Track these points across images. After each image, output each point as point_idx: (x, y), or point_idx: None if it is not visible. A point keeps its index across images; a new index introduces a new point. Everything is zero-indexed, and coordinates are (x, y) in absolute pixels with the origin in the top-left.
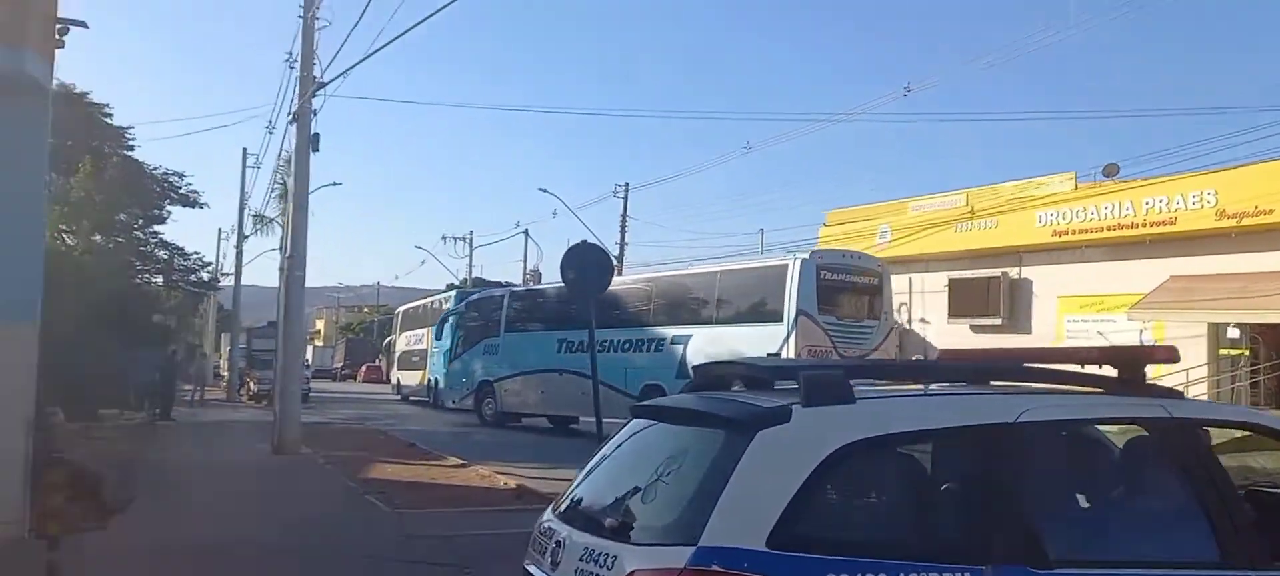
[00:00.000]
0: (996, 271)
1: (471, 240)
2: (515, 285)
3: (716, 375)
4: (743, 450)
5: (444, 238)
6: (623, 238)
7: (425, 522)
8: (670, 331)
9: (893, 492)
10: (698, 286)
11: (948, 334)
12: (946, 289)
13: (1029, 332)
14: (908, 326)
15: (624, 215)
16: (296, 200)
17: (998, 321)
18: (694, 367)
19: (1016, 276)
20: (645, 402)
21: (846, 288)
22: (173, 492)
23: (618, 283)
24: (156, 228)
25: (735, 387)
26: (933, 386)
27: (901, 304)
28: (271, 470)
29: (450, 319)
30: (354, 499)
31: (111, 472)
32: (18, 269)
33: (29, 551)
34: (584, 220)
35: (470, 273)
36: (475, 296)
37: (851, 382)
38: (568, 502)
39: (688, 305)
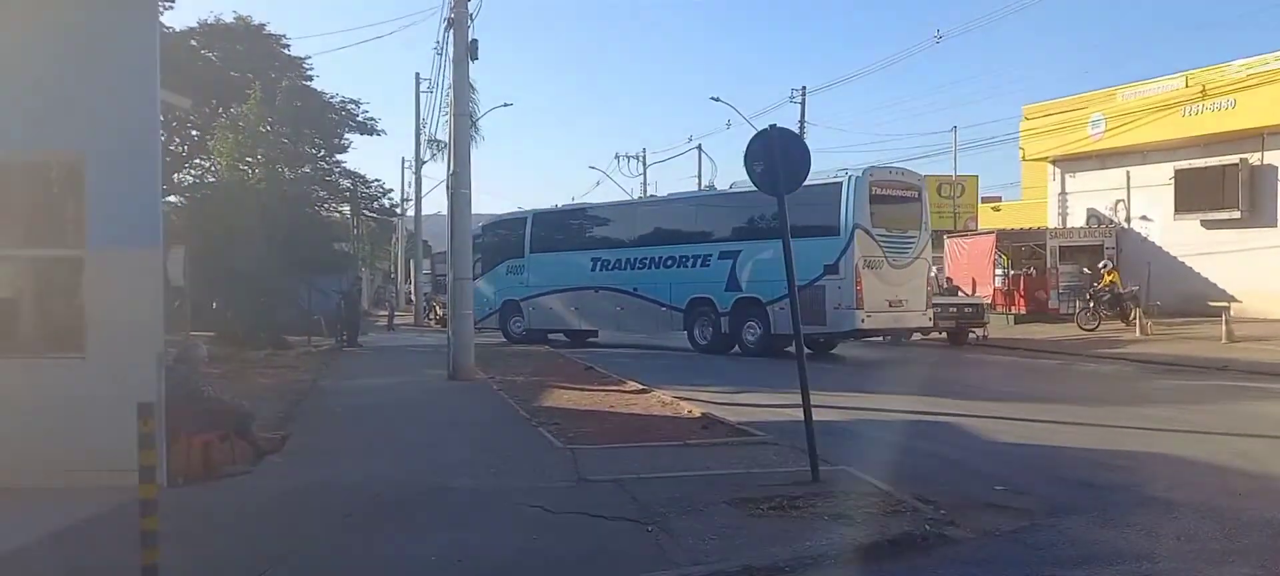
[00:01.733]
0: (1234, 158)
1: (644, 158)
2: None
3: None
4: None
5: (617, 156)
6: None
7: (600, 461)
8: (717, 247)
9: None
10: (745, 202)
11: (1174, 232)
12: (1172, 181)
13: (1274, 226)
14: (1125, 225)
15: (801, 121)
16: (457, 111)
17: (1237, 215)
18: None
19: (1258, 162)
20: None
21: (893, 200)
22: (339, 425)
23: (658, 202)
24: (339, 156)
25: None
26: None
27: (1118, 200)
28: (443, 398)
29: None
30: (525, 431)
31: (270, 407)
32: (131, 188)
33: (163, 503)
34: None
35: (645, 190)
36: (494, 220)
37: None
38: None
39: (735, 221)
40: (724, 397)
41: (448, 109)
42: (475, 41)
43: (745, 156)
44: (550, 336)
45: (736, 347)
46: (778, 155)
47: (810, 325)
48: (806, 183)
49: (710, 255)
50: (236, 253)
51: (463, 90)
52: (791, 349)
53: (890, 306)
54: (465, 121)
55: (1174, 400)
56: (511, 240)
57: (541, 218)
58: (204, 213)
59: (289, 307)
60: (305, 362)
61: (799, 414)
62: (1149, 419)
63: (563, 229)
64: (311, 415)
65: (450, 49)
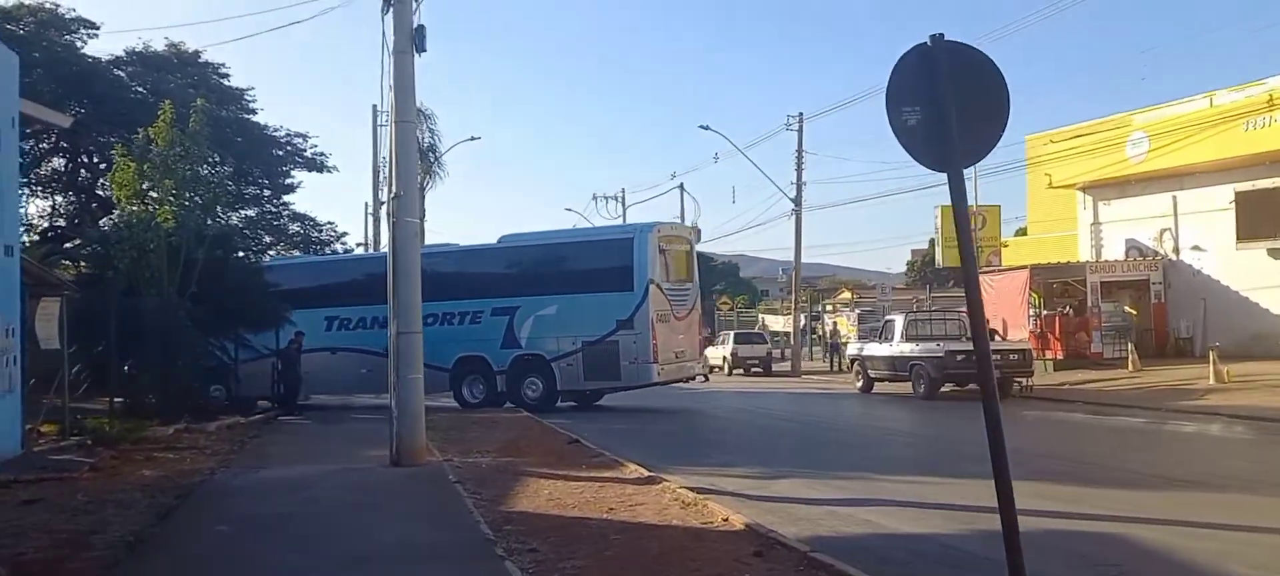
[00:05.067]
0: None
1: (624, 198)
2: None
3: None
4: None
5: (595, 197)
6: (799, 177)
7: None
8: (490, 303)
9: None
10: (522, 256)
11: (1235, 262)
12: (1233, 205)
13: None
14: (1173, 257)
15: (799, 150)
16: (398, 116)
17: None
18: None
19: None
20: None
21: (672, 255)
22: (197, 565)
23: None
24: (286, 198)
25: None
26: None
27: (1163, 230)
28: (375, 501)
29: None
30: (483, 571)
31: (122, 521)
32: None
33: None
34: (753, 159)
35: None
36: None
37: None
38: None
39: (511, 275)
40: (753, 486)
41: (389, 114)
42: (422, 27)
43: (888, 98)
44: (259, 402)
45: (508, 404)
46: (947, 91)
47: (604, 380)
48: (592, 238)
49: (481, 312)
50: (140, 304)
51: (406, 89)
52: (565, 401)
53: (675, 357)
54: (409, 130)
55: None
56: None
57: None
58: (105, 259)
59: (209, 369)
60: (219, 441)
61: (880, 519)
62: None
63: (285, 284)
64: (169, 539)
65: (391, 38)
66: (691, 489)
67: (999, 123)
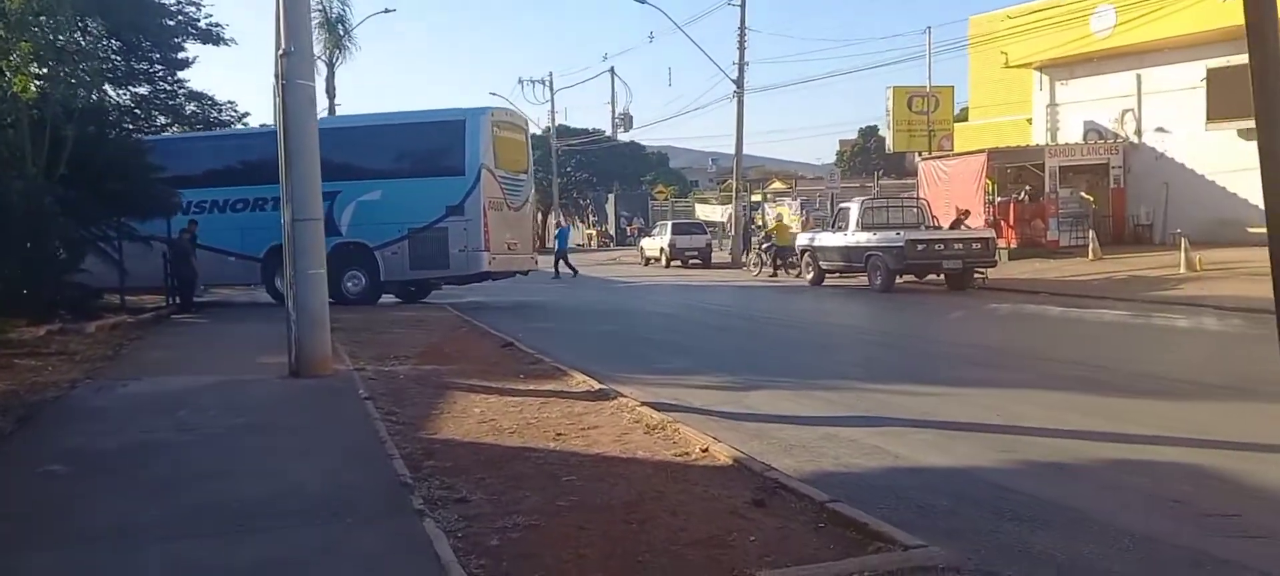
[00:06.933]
0: None
1: (552, 83)
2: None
3: None
4: None
5: (521, 81)
6: (742, 56)
7: None
8: None
9: None
10: (342, 138)
11: (1201, 145)
12: (1204, 83)
13: None
14: (1135, 139)
15: (742, 27)
16: None
17: None
18: None
19: None
20: None
21: (507, 142)
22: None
23: (225, 137)
24: (181, 75)
25: None
26: None
27: (1125, 111)
28: (265, 425)
29: None
30: (399, 532)
31: None
32: None
33: None
34: (692, 37)
35: (552, 120)
36: None
37: None
38: None
39: (331, 158)
40: (723, 400)
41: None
42: None
43: None
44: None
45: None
46: None
47: (432, 269)
48: (421, 120)
49: None
50: (1, 188)
51: None
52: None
53: (508, 249)
54: None
55: None
56: None
57: None
58: None
59: (82, 260)
60: (96, 343)
61: (894, 445)
62: None
63: (170, 166)
64: None
65: None
66: (653, 405)
67: None
